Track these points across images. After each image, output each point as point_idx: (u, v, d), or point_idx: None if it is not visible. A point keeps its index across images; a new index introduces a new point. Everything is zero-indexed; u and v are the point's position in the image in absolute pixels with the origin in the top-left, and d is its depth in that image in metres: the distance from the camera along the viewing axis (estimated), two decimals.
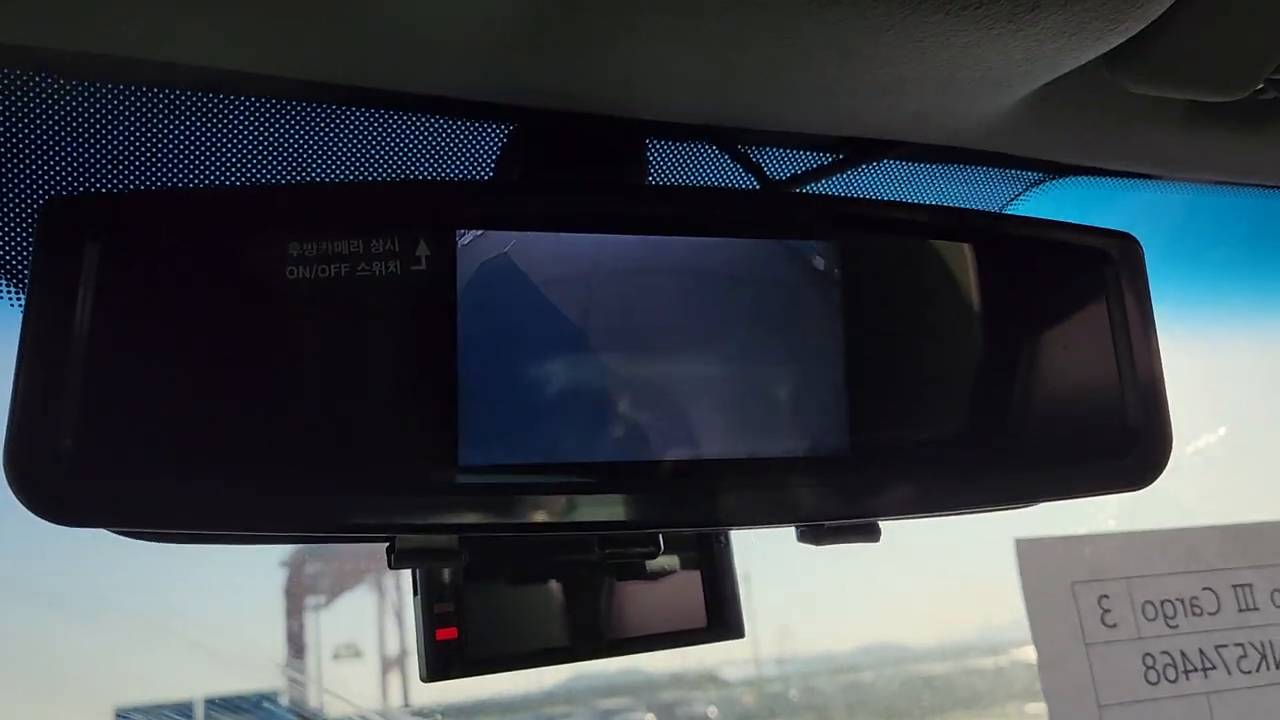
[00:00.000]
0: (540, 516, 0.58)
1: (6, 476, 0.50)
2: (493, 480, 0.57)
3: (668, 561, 0.77)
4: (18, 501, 0.51)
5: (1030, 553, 0.89)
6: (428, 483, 0.56)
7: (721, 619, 0.76)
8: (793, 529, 0.67)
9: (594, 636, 0.74)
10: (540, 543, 0.73)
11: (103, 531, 0.55)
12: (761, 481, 0.62)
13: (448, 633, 0.69)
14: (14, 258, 0.66)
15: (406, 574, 0.71)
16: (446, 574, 0.70)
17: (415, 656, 0.69)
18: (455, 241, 0.58)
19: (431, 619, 0.69)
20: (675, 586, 0.76)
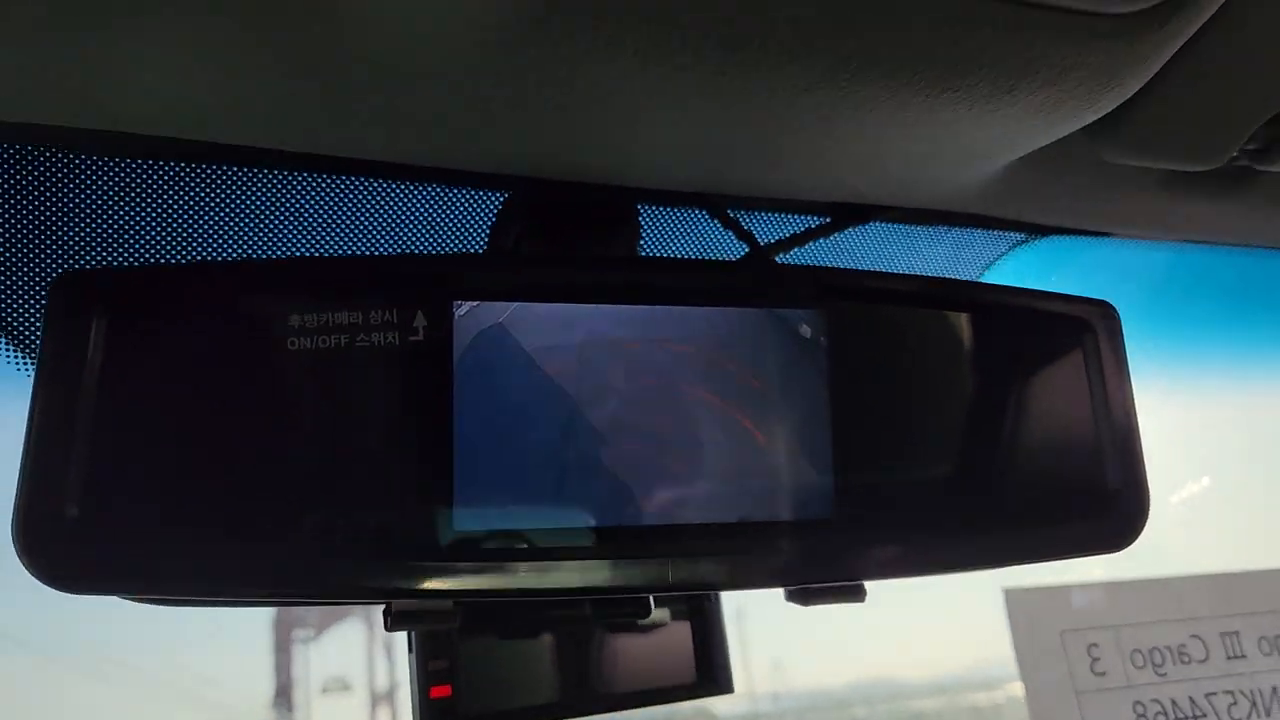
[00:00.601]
0: (533, 582, 0.59)
1: (15, 545, 0.51)
2: (487, 546, 0.59)
3: (658, 615, 0.78)
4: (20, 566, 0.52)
5: (1019, 602, 0.90)
6: (423, 549, 0.58)
7: (711, 675, 0.77)
8: (780, 590, 0.68)
9: (586, 692, 0.74)
10: (533, 603, 0.74)
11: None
12: (749, 546, 0.63)
13: (442, 690, 0.70)
14: (23, 327, 0.68)
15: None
16: (441, 631, 0.71)
17: (406, 687, 0.70)
18: (452, 312, 0.60)
19: (426, 677, 0.70)
20: (665, 642, 0.77)
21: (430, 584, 0.58)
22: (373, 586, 0.57)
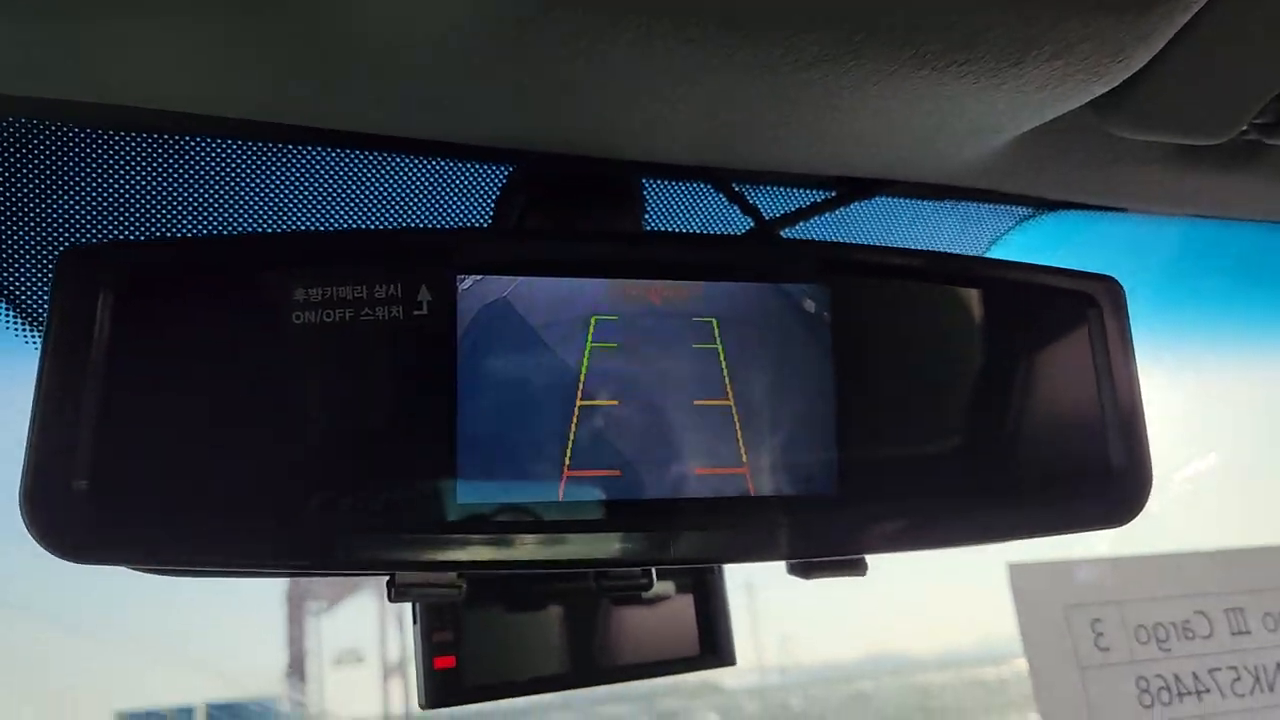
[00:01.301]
0: (536, 554, 0.60)
1: (23, 517, 0.52)
2: (490, 519, 0.59)
3: (662, 588, 0.79)
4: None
5: (1023, 577, 0.91)
6: (427, 521, 0.58)
7: (714, 646, 0.77)
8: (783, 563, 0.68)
9: (589, 664, 0.75)
10: (537, 575, 0.75)
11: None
12: (751, 520, 0.64)
13: (446, 661, 0.71)
14: (31, 301, 0.68)
15: None
16: (445, 603, 0.71)
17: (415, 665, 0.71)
18: (456, 286, 0.60)
19: (430, 648, 0.71)
20: (669, 614, 0.78)
21: (433, 556, 0.58)
22: (377, 559, 0.57)
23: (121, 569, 0.57)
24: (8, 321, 0.67)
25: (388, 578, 0.60)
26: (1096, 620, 0.92)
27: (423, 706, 0.70)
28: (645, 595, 0.78)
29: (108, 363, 0.54)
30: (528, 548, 0.60)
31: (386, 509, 0.58)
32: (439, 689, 0.71)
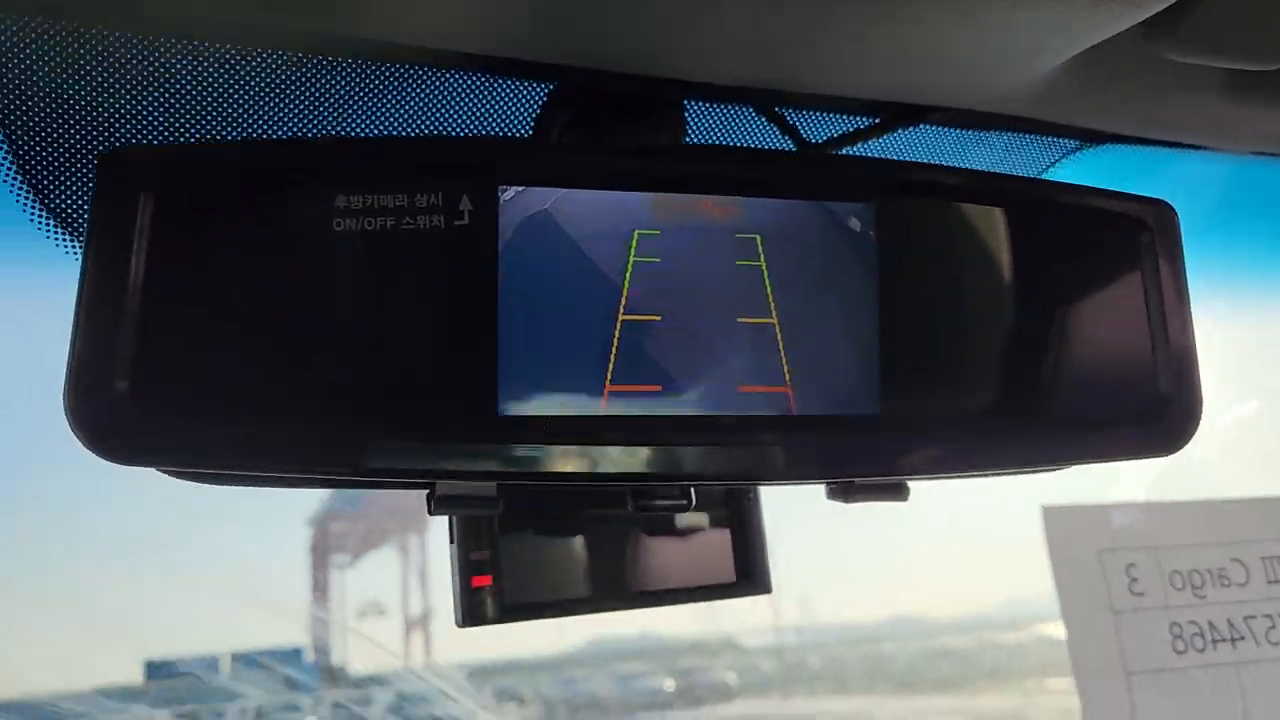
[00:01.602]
0: (575, 466, 0.60)
1: (66, 415, 0.52)
2: (530, 430, 0.59)
3: (698, 518, 0.79)
4: (70, 444, 0.53)
5: (1058, 520, 0.90)
6: (468, 431, 0.58)
7: (749, 574, 0.77)
8: (822, 486, 0.68)
9: (624, 588, 0.75)
10: (574, 494, 0.75)
11: (146, 503, 0.57)
12: (793, 439, 0.63)
13: (483, 580, 0.71)
14: (71, 207, 0.68)
15: (430, 533, 0.73)
16: (482, 523, 0.71)
17: (440, 614, 0.71)
18: (498, 197, 0.59)
19: (468, 566, 0.71)
20: (705, 542, 0.78)
21: (473, 465, 0.58)
22: (416, 466, 0.57)
23: (161, 488, 0.58)
24: (49, 232, 0.67)
25: (427, 491, 0.60)
26: (1131, 565, 0.91)
27: (459, 624, 0.70)
28: (680, 526, 0.78)
29: (148, 265, 0.54)
30: (567, 460, 0.59)
31: (426, 416, 0.57)
32: (475, 607, 0.71)
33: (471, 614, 0.71)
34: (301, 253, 0.57)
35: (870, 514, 0.71)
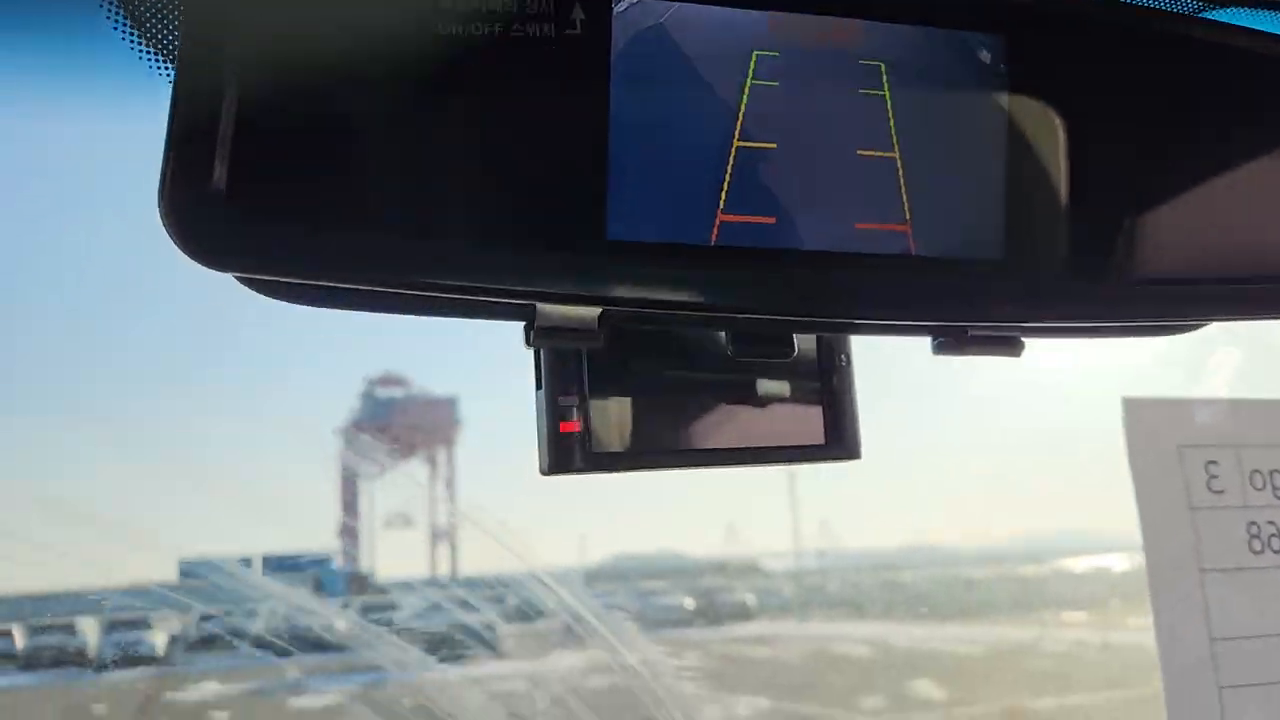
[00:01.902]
0: (681, 296, 0.56)
1: (162, 219, 0.49)
2: (638, 255, 0.55)
3: (782, 387, 0.75)
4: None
5: (1138, 413, 0.87)
6: (573, 252, 0.55)
7: (839, 438, 0.74)
8: (928, 340, 0.64)
9: (711, 446, 0.72)
10: (668, 344, 0.72)
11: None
12: (911, 281, 0.60)
13: (570, 426, 0.67)
14: (159, 28, 0.64)
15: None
16: (571, 369, 0.69)
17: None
18: (611, 7, 0.56)
19: (555, 410, 0.68)
20: (794, 405, 0.74)
21: (576, 289, 0.55)
22: (518, 287, 0.54)
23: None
24: (142, 54, 0.64)
25: (525, 324, 0.57)
26: (1211, 462, 0.88)
27: (544, 472, 0.68)
28: (771, 388, 0.75)
29: (245, 63, 0.50)
30: (674, 289, 0.56)
31: (531, 234, 0.54)
32: (562, 454, 0.67)
33: (559, 461, 0.68)
34: (403, 57, 0.54)
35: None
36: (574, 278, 0.55)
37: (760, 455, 0.73)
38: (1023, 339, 0.64)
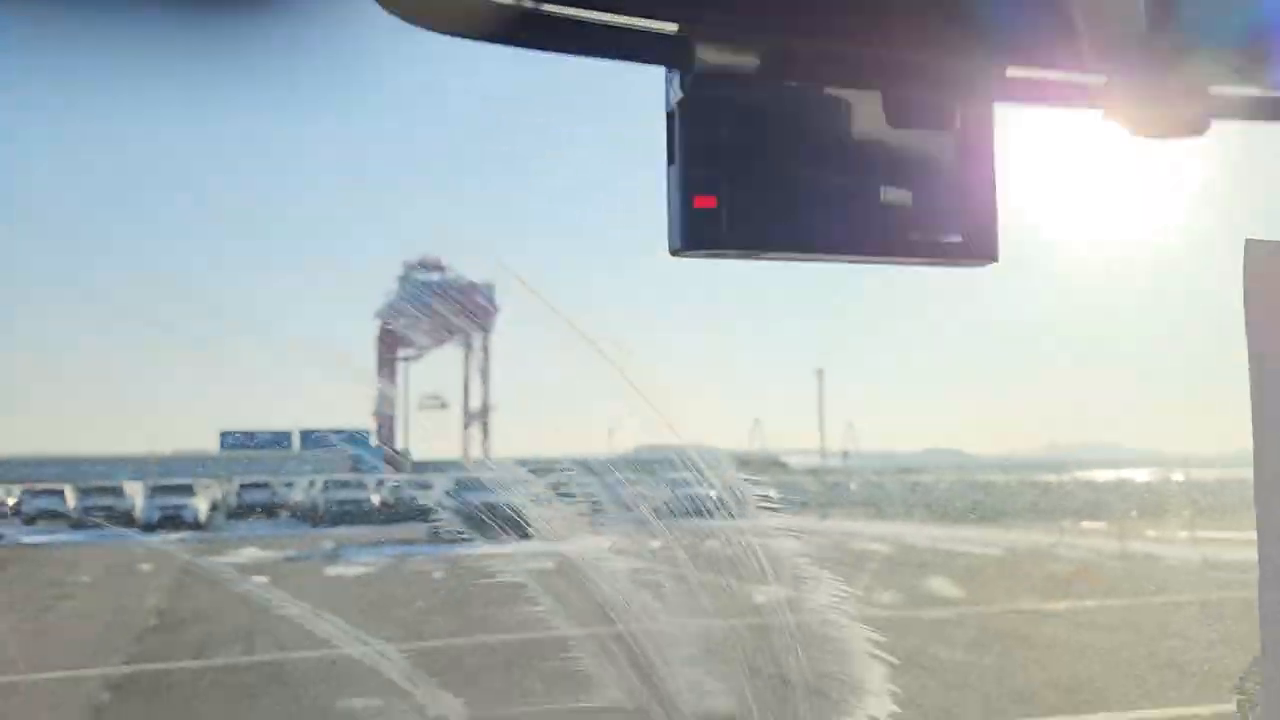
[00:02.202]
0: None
1: None
2: None
3: (922, 180, 0.72)
4: None
5: (1259, 254, 0.90)
6: None
7: (979, 238, 0.71)
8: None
9: (846, 236, 0.70)
10: (818, 114, 0.69)
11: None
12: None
13: (707, 201, 0.62)
14: None
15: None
16: (706, 142, 0.63)
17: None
18: None
19: (689, 183, 0.61)
20: (935, 201, 0.72)
21: (737, 29, 0.53)
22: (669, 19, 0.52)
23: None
24: None
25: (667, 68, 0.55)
26: None
27: (674, 250, 0.62)
28: (911, 183, 0.72)
29: None
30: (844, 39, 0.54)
31: None
32: (698, 229, 0.62)
33: (693, 236, 0.62)
34: None
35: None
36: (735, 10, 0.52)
37: (895, 248, 0.70)
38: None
